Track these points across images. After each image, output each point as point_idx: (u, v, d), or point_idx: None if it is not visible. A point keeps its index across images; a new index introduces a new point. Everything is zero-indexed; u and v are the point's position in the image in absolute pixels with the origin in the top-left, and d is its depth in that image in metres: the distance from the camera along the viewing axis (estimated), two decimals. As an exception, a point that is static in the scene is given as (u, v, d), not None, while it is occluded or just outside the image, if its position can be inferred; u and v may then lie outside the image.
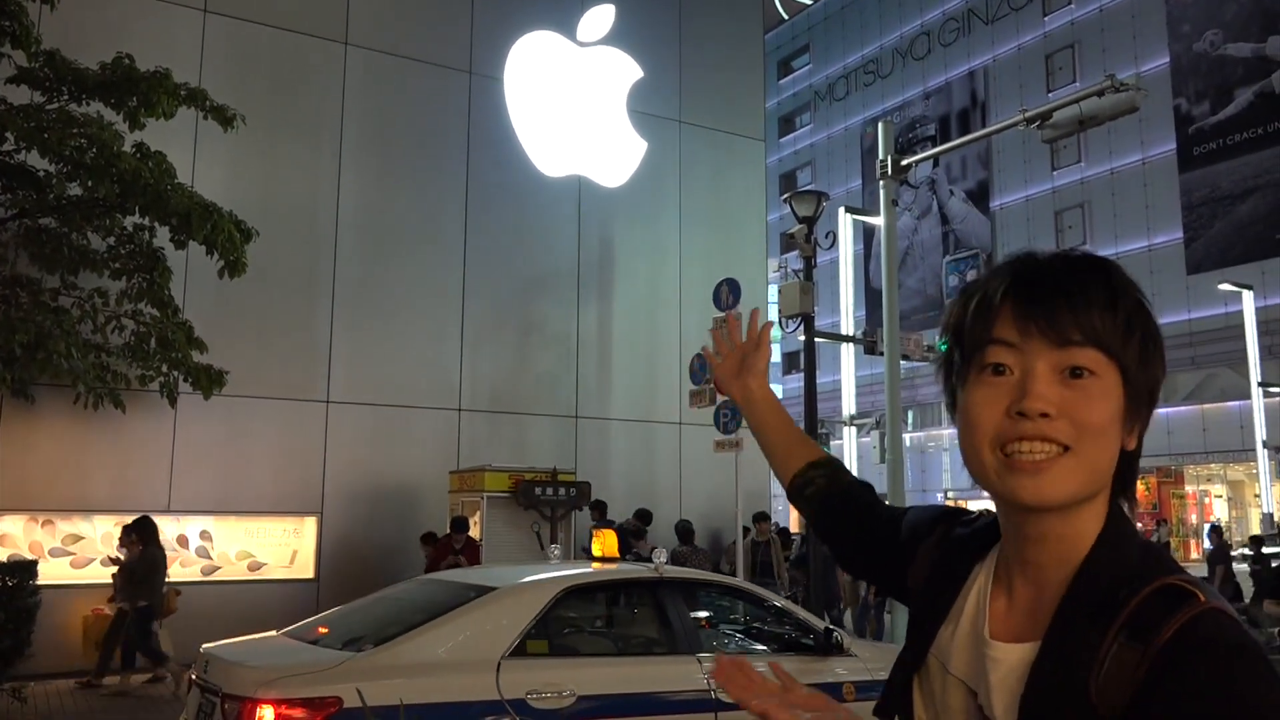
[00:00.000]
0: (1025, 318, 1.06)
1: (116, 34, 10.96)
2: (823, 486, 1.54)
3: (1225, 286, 26.32)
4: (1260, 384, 25.35)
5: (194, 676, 5.09)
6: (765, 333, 1.69)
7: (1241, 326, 25.98)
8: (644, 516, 12.43)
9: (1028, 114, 11.56)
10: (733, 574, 10.63)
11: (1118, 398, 1.05)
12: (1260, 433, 25.48)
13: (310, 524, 12.24)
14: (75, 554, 10.98)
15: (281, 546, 12.13)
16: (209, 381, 9.85)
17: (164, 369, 9.79)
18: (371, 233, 13.03)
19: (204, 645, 5.22)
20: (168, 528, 11.39)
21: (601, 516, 12.27)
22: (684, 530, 12.10)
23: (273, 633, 5.66)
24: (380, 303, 12.96)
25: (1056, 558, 1.08)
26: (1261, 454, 25.66)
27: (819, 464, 1.56)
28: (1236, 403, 28.58)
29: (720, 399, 11.05)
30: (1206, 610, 0.96)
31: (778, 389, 39.45)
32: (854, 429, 22.48)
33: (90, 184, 8.93)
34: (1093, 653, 0.99)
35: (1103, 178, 33.38)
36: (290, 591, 11.74)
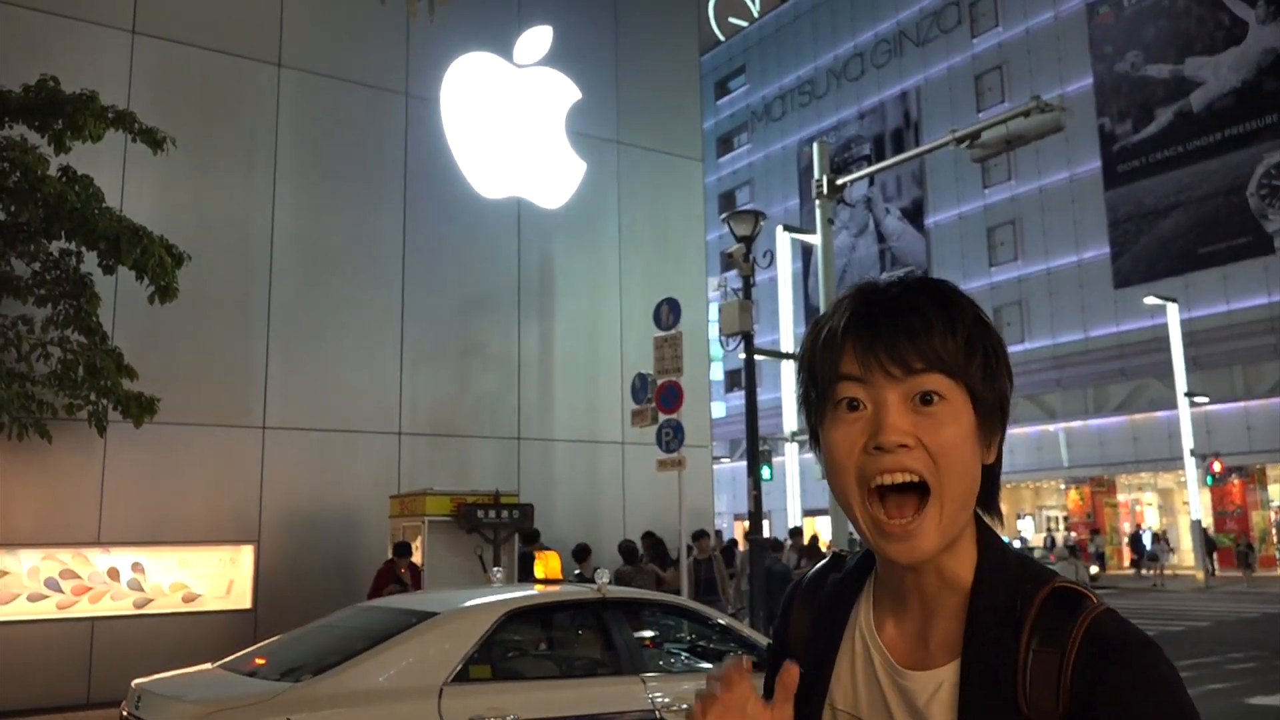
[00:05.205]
0: (867, 351, 1.08)
1: (42, 55, 10.70)
2: None
3: (1151, 300, 27.04)
4: (1186, 394, 26.07)
5: (125, 712, 4.94)
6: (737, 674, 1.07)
7: (1168, 339, 26.72)
8: (581, 553, 12.21)
9: (958, 134, 11.83)
10: (676, 593, 10.63)
11: (969, 417, 1.08)
12: (1188, 441, 26.20)
13: (247, 553, 11.98)
14: None
15: (217, 577, 11.85)
16: (139, 409, 9.60)
17: (92, 397, 9.53)
18: (307, 255, 12.85)
19: (136, 680, 5.08)
20: (98, 560, 11.08)
21: (526, 542, 11.98)
22: (627, 550, 12.07)
23: (208, 665, 5.53)
24: (317, 326, 12.78)
25: (938, 581, 1.12)
26: (1189, 462, 26.38)
27: None
28: (1165, 413, 29.34)
29: (663, 417, 11.07)
30: (1102, 611, 1.04)
31: (719, 407, 39.69)
32: (795, 445, 22.69)
33: (14, 209, 8.71)
34: (1012, 664, 1.03)
35: (1032, 195, 34.22)
36: (226, 622, 11.47)
